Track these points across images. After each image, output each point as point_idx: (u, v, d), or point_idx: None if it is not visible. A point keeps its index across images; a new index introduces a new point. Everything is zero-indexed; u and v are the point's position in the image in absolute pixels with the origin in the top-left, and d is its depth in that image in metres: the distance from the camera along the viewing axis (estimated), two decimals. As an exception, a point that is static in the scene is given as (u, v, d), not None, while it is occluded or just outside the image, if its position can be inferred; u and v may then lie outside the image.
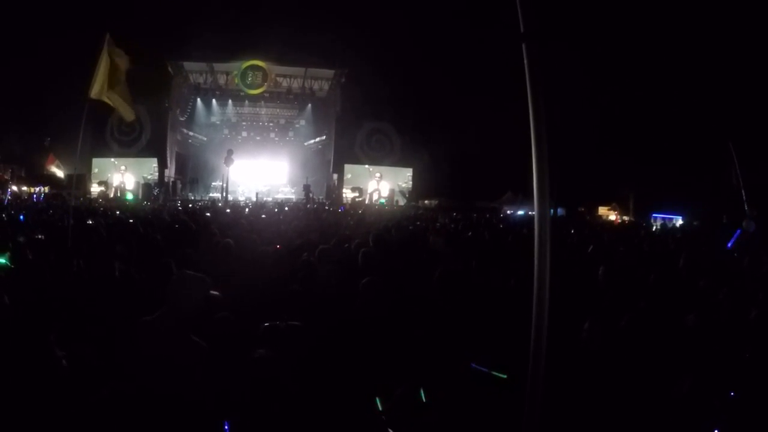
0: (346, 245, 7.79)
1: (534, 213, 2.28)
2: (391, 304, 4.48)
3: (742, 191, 15.34)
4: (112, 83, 8.83)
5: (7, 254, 6.25)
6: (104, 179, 34.84)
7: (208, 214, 15.48)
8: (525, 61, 2.13)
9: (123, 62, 8.98)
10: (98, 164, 35.71)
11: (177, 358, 3.43)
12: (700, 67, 26.96)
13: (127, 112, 9.54)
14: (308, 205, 27.07)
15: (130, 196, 32.79)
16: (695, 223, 26.10)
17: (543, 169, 2.17)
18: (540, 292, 2.25)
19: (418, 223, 15.27)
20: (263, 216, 15.89)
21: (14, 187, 32.38)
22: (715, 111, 25.76)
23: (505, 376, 3.42)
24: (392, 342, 3.96)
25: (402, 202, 34.99)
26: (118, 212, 15.49)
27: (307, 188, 33.16)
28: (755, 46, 23.80)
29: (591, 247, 9.76)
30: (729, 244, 12.22)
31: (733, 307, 5.07)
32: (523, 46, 2.14)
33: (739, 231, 12.88)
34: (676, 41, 27.27)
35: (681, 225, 26.96)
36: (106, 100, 8.92)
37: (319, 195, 36.39)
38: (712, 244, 12.72)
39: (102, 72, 8.73)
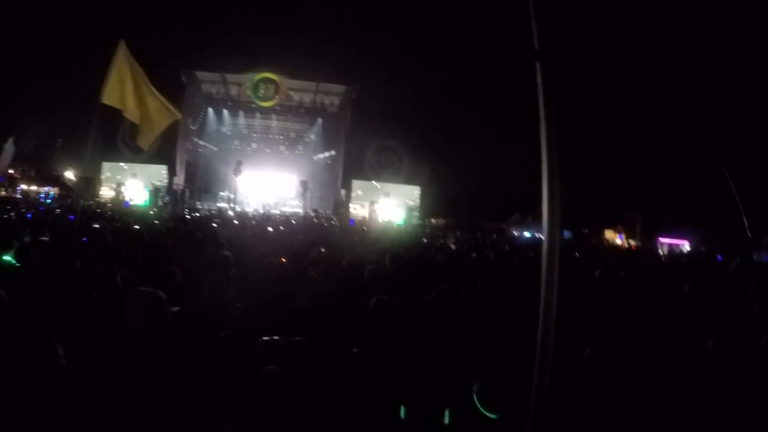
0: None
1: (541, 236, 2.24)
2: (398, 325, 4.44)
3: (744, 218, 15.39)
4: (137, 97, 8.94)
5: (12, 253, 6.26)
6: (118, 182, 34.96)
7: (215, 224, 15.47)
8: (538, 80, 2.10)
9: (138, 76, 9.04)
10: (108, 168, 35.85)
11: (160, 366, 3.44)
12: (707, 91, 27.07)
13: (143, 140, 9.71)
14: (315, 220, 27.04)
15: (146, 202, 32.76)
16: (702, 248, 26.06)
17: (554, 189, 2.13)
18: (546, 321, 2.20)
19: (425, 241, 15.22)
20: (270, 228, 15.88)
21: (24, 186, 32.59)
22: (715, 140, 25.88)
23: (494, 417, 3.36)
24: (399, 364, 3.92)
25: (413, 220, 34.97)
26: (125, 218, 15.48)
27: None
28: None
29: (598, 272, 9.71)
30: (730, 270, 12.16)
31: (740, 334, 5.02)
32: (537, 64, 2.11)
33: (739, 259, 12.82)
34: (685, 64, 27.37)
35: (688, 251, 26.90)
36: (122, 109, 8.96)
37: (326, 210, 36.42)
38: (716, 270, 12.66)
39: (115, 78, 8.77)
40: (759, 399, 3.79)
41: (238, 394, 3.28)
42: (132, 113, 9.21)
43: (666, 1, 26.52)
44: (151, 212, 24.96)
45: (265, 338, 4.04)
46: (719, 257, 17.11)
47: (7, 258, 6.09)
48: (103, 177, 35.78)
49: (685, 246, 29.70)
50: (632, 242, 32.38)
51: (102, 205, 27.34)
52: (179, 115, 10.32)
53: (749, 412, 3.67)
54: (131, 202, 32.10)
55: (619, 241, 32.93)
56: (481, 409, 3.35)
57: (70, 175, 34.35)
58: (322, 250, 9.06)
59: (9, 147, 29.63)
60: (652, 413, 3.35)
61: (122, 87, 8.89)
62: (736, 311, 5.79)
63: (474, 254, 11.74)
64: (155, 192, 34.04)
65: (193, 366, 3.49)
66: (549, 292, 2.18)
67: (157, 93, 9.51)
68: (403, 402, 3.66)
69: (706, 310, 6.36)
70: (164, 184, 35.91)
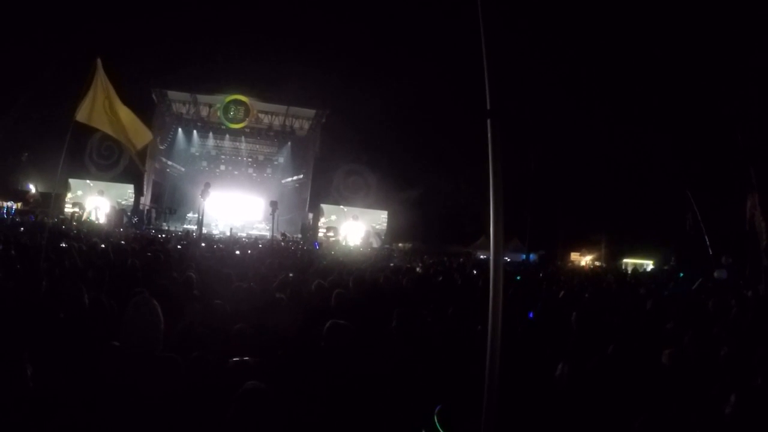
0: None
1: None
2: (353, 350, 4.51)
3: (705, 237, 15.84)
4: (111, 114, 8.98)
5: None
6: (78, 201, 34.42)
7: (180, 246, 15.39)
8: (488, 135, 2.42)
9: (112, 94, 9.09)
10: (74, 185, 35.33)
11: (145, 382, 3.47)
12: (669, 114, 27.94)
13: (139, 140, 9.76)
14: (282, 243, 26.95)
15: (102, 220, 32.25)
16: (665, 267, 26.69)
17: (498, 220, 2.55)
18: (493, 343, 2.51)
19: (392, 265, 15.30)
20: (237, 252, 15.85)
21: None
22: (676, 160, 26.63)
23: None
24: (354, 389, 4.00)
25: (376, 244, 35.01)
26: (92, 237, 15.29)
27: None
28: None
29: (562, 293, 9.93)
30: (693, 287, 12.52)
31: (700, 348, 5.23)
32: (488, 121, 2.42)
33: (701, 278, 13.19)
34: (643, 88, 28.20)
35: (651, 270, 27.55)
36: (95, 125, 9.00)
37: (294, 233, 36.31)
38: (678, 286, 13.02)
39: (90, 96, 8.81)
40: (719, 408, 3.96)
41: (219, 410, 3.35)
42: (109, 128, 9.22)
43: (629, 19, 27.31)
44: (117, 231, 24.68)
45: (235, 359, 4.10)
46: (681, 274, 17.62)
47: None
48: (70, 194, 35.18)
49: (649, 265, 30.44)
50: (597, 263, 32.92)
51: (67, 222, 26.91)
52: (151, 136, 10.36)
53: (710, 422, 3.84)
54: (91, 220, 31.60)
55: (584, 263, 33.44)
56: (440, 430, 3.44)
57: (33, 190, 33.74)
58: (290, 274, 9.10)
59: None
60: (620, 425, 3.51)
61: (96, 105, 8.90)
62: (697, 326, 6.00)
63: (440, 278, 11.90)
64: (120, 212, 33.62)
65: (165, 387, 3.54)
66: (495, 314, 2.55)
67: (130, 112, 9.56)
68: (372, 426, 3.74)
69: (667, 327, 6.58)
70: (130, 204, 35.50)
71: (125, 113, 9.43)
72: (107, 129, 9.23)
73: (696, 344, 5.32)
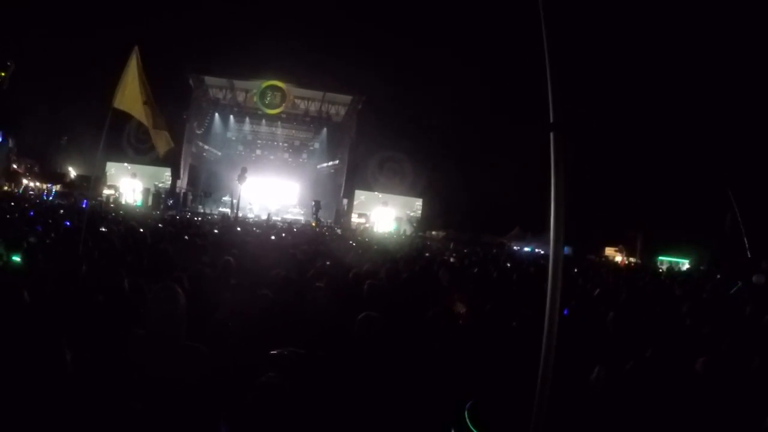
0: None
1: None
2: (386, 344, 4.44)
3: (744, 238, 15.39)
4: (146, 103, 9.03)
5: (20, 253, 6.29)
6: (114, 183, 35.04)
7: (216, 231, 15.47)
8: (552, 149, 2.35)
9: (145, 83, 9.10)
10: (111, 167, 35.91)
11: (171, 368, 3.47)
12: (708, 111, 27.33)
13: (161, 146, 9.84)
14: (317, 228, 27.12)
15: (139, 202, 32.82)
16: (702, 267, 26.11)
17: (559, 245, 2.38)
18: (549, 340, 2.34)
19: (427, 254, 15.20)
20: (272, 237, 15.89)
21: (27, 182, 32.66)
22: (718, 159, 26.07)
23: None
24: (386, 385, 3.94)
25: (409, 231, 34.94)
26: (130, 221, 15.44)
27: (317, 204, 33.18)
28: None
29: (597, 290, 9.74)
30: (732, 292, 12.15)
31: (736, 357, 5.06)
32: (551, 135, 2.35)
33: (740, 283, 12.80)
34: (687, 86, 27.62)
35: (687, 269, 26.97)
36: (133, 113, 9.05)
37: (327, 218, 36.44)
38: (715, 290, 12.66)
39: (129, 83, 8.86)
40: (750, 418, 3.84)
41: (237, 398, 3.32)
42: (144, 117, 9.29)
43: (671, 19, 26.78)
44: (154, 214, 25.01)
45: (274, 352, 4.06)
46: (718, 276, 17.10)
47: (16, 258, 6.11)
48: (105, 176, 35.81)
49: (685, 264, 29.82)
50: (632, 260, 32.40)
51: (105, 204, 27.38)
52: (171, 144, 10.48)
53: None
54: (128, 202, 32.15)
55: (619, 259, 32.92)
56: (471, 427, 3.37)
57: (73, 172, 34.41)
58: (327, 262, 9.06)
59: None
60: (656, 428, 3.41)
61: (132, 92, 8.95)
62: (734, 334, 5.81)
63: (476, 269, 11.77)
64: (157, 194, 34.11)
65: (201, 375, 3.53)
66: (553, 309, 2.36)
67: (156, 112, 9.62)
68: (404, 420, 3.69)
69: (703, 332, 6.40)
70: (166, 186, 35.98)
71: (154, 109, 9.49)
72: (141, 117, 9.29)
73: (732, 353, 5.14)
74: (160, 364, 3.47)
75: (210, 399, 3.49)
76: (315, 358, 4.09)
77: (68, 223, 11.93)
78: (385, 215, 36.87)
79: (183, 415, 3.35)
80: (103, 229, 10.61)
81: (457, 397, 3.55)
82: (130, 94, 8.93)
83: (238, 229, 17.40)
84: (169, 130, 10.19)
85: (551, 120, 2.36)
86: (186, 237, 11.65)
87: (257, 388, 3.19)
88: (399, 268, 8.72)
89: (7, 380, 3.21)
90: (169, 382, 3.40)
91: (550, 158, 2.34)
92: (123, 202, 31.93)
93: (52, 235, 9.49)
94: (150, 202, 33.15)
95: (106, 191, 34.03)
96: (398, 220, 36.59)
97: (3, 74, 29.54)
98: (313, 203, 33.66)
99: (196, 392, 3.45)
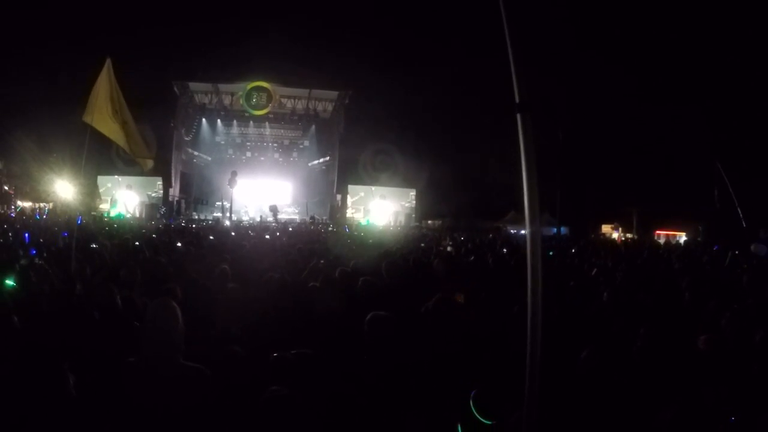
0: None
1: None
2: (396, 341, 4.41)
3: (738, 209, 15.35)
4: (113, 115, 8.47)
5: (14, 276, 6.24)
6: (109, 197, 34.91)
7: (212, 237, 15.41)
8: (519, 130, 2.35)
9: (118, 96, 8.56)
10: (104, 181, 35.76)
11: (170, 395, 3.34)
12: (699, 85, 27.39)
13: (143, 164, 9.59)
14: (311, 226, 27.10)
15: (120, 214, 32.35)
16: (699, 239, 26.18)
17: (535, 224, 2.41)
18: (533, 318, 2.37)
19: (423, 245, 15.16)
20: (267, 236, 15.85)
21: (19, 203, 32.49)
22: (708, 132, 26.14)
23: (490, 423, 3.37)
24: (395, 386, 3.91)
25: (404, 222, 34.92)
26: (123, 234, 15.33)
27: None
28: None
29: (594, 270, 9.73)
30: (726, 262, 12.13)
31: (737, 332, 5.03)
32: (518, 116, 2.36)
33: (731, 253, 12.77)
34: (675, 60, 27.66)
35: (684, 242, 27.07)
36: (104, 132, 8.55)
37: (322, 215, 36.41)
38: (713, 261, 12.65)
39: (101, 97, 8.36)
40: (755, 394, 3.81)
41: (244, 414, 3.27)
42: (119, 138, 8.78)
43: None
44: (149, 224, 24.92)
45: (276, 354, 3.99)
46: (716, 247, 17.06)
47: (10, 282, 6.06)
48: (101, 190, 35.65)
49: (683, 237, 29.92)
50: (629, 236, 32.48)
51: (100, 219, 27.26)
52: (152, 161, 10.10)
53: (746, 407, 3.69)
54: (127, 215, 31.97)
55: (615, 236, 33.01)
56: (477, 415, 3.37)
57: (65, 189, 34.23)
58: (321, 261, 9.02)
59: None
60: (653, 410, 3.38)
61: (100, 106, 8.38)
62: (733, 306, 5.78)
63: (472, 257, 11.75)
64: (151, 206, 33.99)
65: (203, 398, 3.43)
66: (535, 288, 2.39)
67: (133, 124, 8.97)
68: (414, 416, 3.67)
69: (708, 307, 6.34)
70: (159, 196, 35.87)
71: (129, 121, 8.83)
72: (115, 138, 8.72)
73: (733, 327, 5.10)
74: (158, 391, 3.33)
75: (215, 422, 3.41)
76: (323, 361, 4.02)
77: (66, 234, 11.88)
78: (383, 209, 36.80)
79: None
80: (94, 246, 10.52)
81: (461, 391, 3.54)
82: (101, 111, 8.39)
83: (233, 234, 17.32)
84: (148, 148, 9.65)
85: (516, 101, 2.36)
86: (179, 245, 11.63)
87: (263, 405, 3.08)
88: (395, 261, 8.66)
89: (10, 406, 3.18)
90: (169, 409, 3.28)
91: (519, 141, 2.36)
92: (112, 217, 31.71)
93: (44, 255, 9.44)
94: (144, 214, 32.99)
95: (103, 206, 33.95)
96: (395, 213, 36.54)
97: None
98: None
99: (199, 418, 3.35)
